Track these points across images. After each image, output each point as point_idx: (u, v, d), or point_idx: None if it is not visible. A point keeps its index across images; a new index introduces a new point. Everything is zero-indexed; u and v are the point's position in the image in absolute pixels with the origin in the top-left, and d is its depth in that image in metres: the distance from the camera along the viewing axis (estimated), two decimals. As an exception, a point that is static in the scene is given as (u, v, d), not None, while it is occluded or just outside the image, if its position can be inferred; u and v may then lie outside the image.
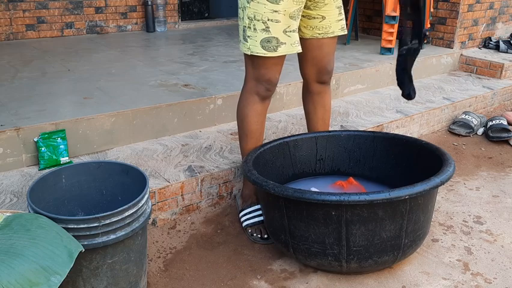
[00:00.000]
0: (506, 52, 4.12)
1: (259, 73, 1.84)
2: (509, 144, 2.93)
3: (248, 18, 1.75)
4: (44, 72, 2.94)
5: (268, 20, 1.72)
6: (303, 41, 1.96)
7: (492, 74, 3.82)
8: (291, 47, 1.79)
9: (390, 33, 3.65)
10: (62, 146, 2.06)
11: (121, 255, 1.40)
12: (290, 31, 1.77)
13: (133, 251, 1.44)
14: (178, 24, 4.67)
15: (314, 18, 1.88)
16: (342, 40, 4.22)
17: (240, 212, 2.00)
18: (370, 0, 4.47)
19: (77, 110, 2.27)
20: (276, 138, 2.18)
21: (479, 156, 2.77)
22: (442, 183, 1.57)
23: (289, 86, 2.85)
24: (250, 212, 1.96)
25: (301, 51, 1.83)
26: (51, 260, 1.10)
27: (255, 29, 1.74)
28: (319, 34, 1.91)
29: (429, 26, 4.01)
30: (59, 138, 2.05)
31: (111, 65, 3.15)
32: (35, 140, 2.03)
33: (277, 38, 1.75)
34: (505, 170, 2.60)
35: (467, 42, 4.13)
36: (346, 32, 1.97)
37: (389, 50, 3.69)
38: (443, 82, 3.65)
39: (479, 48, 4.27)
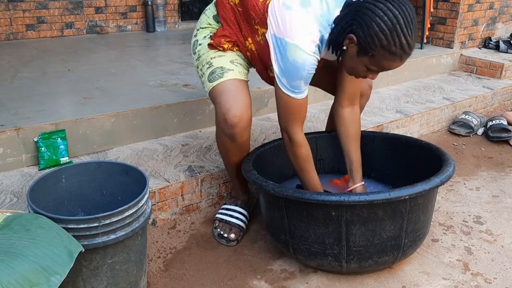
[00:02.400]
0: (506, 52, 4.12)
1: (219, 104, 1.67)
2: (509, 144, 2.93)
3: (197, 66, 1.80)
4: (44, 72, 2.94)
5: (211, 58, 1.74)
6: None
7: (492, 74, 3.82)
8: (239, 74, 1.72)
9: (390, 33, 3.64)
10: (62, 146, 2.06)
11: (121, 255, 1.40)
12: (237, 63, 1.75)
13: (133, 251, 1.44)
14: (178, 24, 4.66)
15: None
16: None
17: (223, 204, 2.02)
18: (370, 0, 4.46)
19: (77, 110, 2.27)
20: (276, 138, 2.18)
21: (479, 156, 2.77)
22: (442, 183, 1.57)
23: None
24: (229, 210, 1.96)
25: (248, 80, 1.76)
26: (51, 260, 1.10)
27: (203, 72, 1.77)
28: None
29: (429, 25, 4.01)
30: (59, 138, 2.05)
31: (111, 65, 3.15)
32: (35, 140, 2.03)
33: (221, 67, 1.71)
34: (505, 170, 2.60)
35: (467, 42, 4.13)
36: None
37: (389, 50, 3.69)
38: (443, 82, 3.65)
39: (479, 48, 4.27)
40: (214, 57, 1.74)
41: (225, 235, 1.88)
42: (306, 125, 2.63)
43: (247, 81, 1.76)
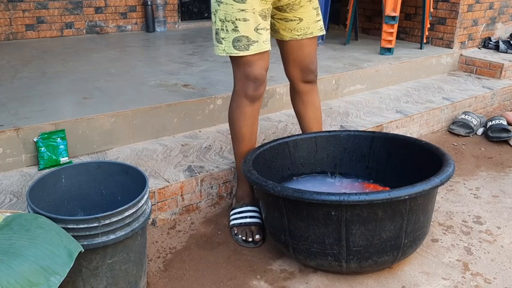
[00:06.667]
0: (506, 52, 4.12)
1: (245, 72, 1.83)
2: (509, 144, 2.93)
3: (220, 20, 1.77)
4: (44, 72, 2.94)
5: (236, 19, 1.74)
6: (283, 43, 1.99)
7: (492, 74, 3.82)
8: (263, 44, 1.80)
9: (390, 33, 3.65)
10: (61, 146, 2.06)
11: (120, 255, 1.40)
12: (261, 29, 1.79)
13: (133, 251, 1.44)
14: (178, 24, 4.67)
15: (291, 20, 1.91)
16: (342, 40, 4.23)
17: (231, 210, 2.01)
18: (370, 0, 4.47)
19: (77, 110, 2.27)
20: (276, 138, 2.18)
21: (479, 156, 2.77)
22: (442, 183, 1.57)
23: (289, 86, 2.84)
24: (239, 212, 1.95)
25: (270, 49, 1.84)
26: (51, 260, 1.10)
27: (227, 30, 1.77)
28: (298, 36, 1.94)
29: (429, 25, 4.01)
30: (58, 138, 2.05)
31: (111, 65, 3.15)
32: (35, 140, 2.03)
33: (247, 37, 1.76)
34: (504, 170, 2.60)
35: (466, 42, 4.13)
36: (324, 32, 2.02)
37: (389, 50, 3.70)
38: (442, 82, 3.65)
39: (479, 48, 4.27)
40: (239, 20, 1.74)
41: (250, 239, 1.86)
42: (306, 125, 2.63)
43: (268, 50, 1.85)
